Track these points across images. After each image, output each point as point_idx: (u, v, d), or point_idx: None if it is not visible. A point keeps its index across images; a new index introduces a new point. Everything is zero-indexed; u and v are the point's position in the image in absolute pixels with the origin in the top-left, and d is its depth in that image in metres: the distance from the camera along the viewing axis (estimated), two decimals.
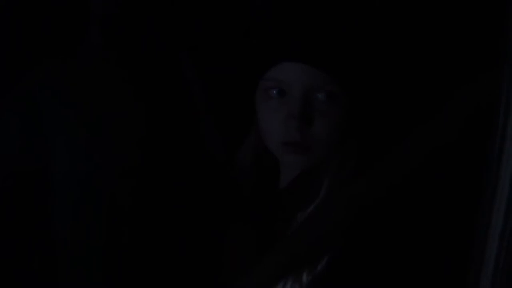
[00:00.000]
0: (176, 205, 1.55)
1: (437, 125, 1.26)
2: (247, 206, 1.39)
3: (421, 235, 1.26)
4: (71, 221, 1.55)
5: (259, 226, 1.36)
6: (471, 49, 1.44)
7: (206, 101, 1.55)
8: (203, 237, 1.48)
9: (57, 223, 1.56)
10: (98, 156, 1.54)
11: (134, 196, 1.55)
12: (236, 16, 1.53)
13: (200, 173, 1.55)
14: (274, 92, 1.27)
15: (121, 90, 1.57)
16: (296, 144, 1.25)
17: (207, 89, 1.55)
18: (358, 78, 1.26)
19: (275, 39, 1.26)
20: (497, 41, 1.03)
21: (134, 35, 1.56)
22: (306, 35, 1.24)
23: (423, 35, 1.47)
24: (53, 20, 1.60)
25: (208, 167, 1.54)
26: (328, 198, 1.29)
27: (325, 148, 1.26)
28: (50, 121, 1.53)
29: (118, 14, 1.54)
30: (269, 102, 1.28)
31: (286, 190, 1.35)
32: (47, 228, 1.56)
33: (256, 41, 1.30)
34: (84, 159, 1.54)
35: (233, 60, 1.46)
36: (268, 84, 1.27)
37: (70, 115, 1.54)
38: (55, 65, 1.59)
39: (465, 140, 1.27)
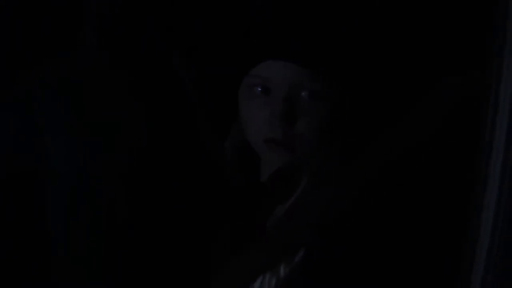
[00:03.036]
0: (175, 205, 1.55)
1: (418, 121, 1.29)
2: (229, 199, 1.41)
3: (400, 230, 1.27)
4: (71, 222, 1.56)
5: (239, 220, 1.38)
6: (459, 47, 1.45)
7: (202, 101, 1.56)
8: (202, 238, 1.49)
9: (56, 224, 1.56)
10: (97, 157, 1.54)
11: (133, 196, 1.55)
12: (225, 15, 1.54)
13: (199, 173, 1.56)
14: (259, 89, 1.27)
15: (119, 91, 1.57)
16: (278, 142, 1.26)
17: (202, 88, 1.56)
18: (342, 77, 1.28)
19: (261, 37, 1.27)
20: (486, 38, 1.03)
21: (129, 35, 1.57)
22: (292, 34, 1.25)
23: (409, 36, 1.49)
24: (52, 20, 1.61)
25: (207, 167, 1.55)
26: (307, 193, 1.31)
27: (308, 146, 1.27)
28: (49, 122, 1.54)
29: (112, 14, 1.55)
30: (253, 99, 1.29)
31: (265, 184, 1.37)
32: (45, 229, 1.57)
33: (244, 40, 1.31)
34: (82, 159, 1.54)
35: (221, 58, 1.47)
36: (252, 81, 1.28)
37: (69, 115, 1.55)
38: (54, 65, 1.59)
39: (453, 137, 1.28)
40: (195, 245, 1.49)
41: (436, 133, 1.29)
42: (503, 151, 1.00)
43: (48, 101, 1.55)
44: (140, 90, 1.57)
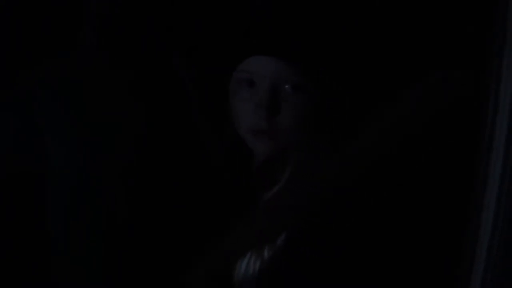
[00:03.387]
0: (175, 204, 1.56)
1: (405, 116, 1.36)
2: (223, 185, 1.50)
3: (393, 227, 1.34)
4: (71, 222, 1.56)
5: (231, 204, 1.47)
6: (458, 47, 1.46)
7: (201, 100, 1.56)
8: (200, 236, 1.50)
9: (56, 224, 1.56)
10: (97, 157, 1.54)
11: (133, 196, 1.55)
12: (219, 15, 1.57)
13: (198, 172, 1.56)
14: (246, 83, 1.36)
15: (119, 91, 1.57)
16: (263, 132, 1.35)
17: (200, 86, 1.57)
18: (322, 71, 1.35)
19: (250, 35, 1.37)
20: (486, 38, 1.03)
21: (129, 35, 1.57)
22: (277, 31, 1.34)
23: (403, 36, 1.52)
24: (52, 20, 1.61)
25: (206, 167, 1.55)
26: (289, 182, 1.40)
27: (291, 136, 1.36)
28: (49, 122, 1.54)
29: (112, 14, 1.55)
30: (241, 93, 1.37)
31: (255, 172, 1.46)
32: (45, 229, 1.56)
33: (233, 37, 1.41)
34: (82, 159, 1.54)
35: (214, 56, 1.52)
36: (240, 75, 1.37)
37: (69, 115, 1.55)
38: (54, 65, 1.59)
39: (453, 136, 1.29)
40: (194, 244, 1.49)
41: (428, 130, 1.36)
42: (503, 151, 1.00)
43: (48, 101, 1.55)
44: (140, 90, 1.57)
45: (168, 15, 1.59)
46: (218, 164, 1.50)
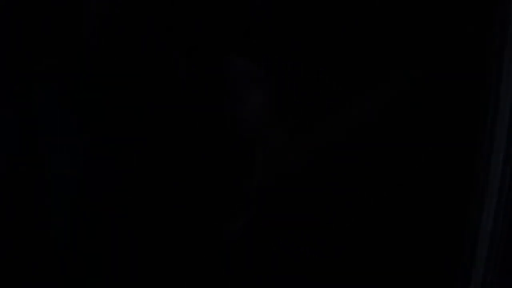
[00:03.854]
0: (175, 204, 1.56)
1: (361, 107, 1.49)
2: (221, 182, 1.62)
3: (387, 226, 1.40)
4: (71, 222, 1.56)
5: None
6: (458, 47, 1.47)
7: (199, 99, 1.57)
8: (201, 236, 1.50)
9: (56, 224, 1.57)
10: (97, 157, 1.55)
11: (133, 196, 1.56)
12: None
13: (198, 172, 1.56)
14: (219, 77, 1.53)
15: (119, 91, 1.57)
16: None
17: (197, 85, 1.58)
18: (280, 64, 1.48)
19: (220, 34, 1.50)
20: (486, 38, 1.03)
21: (129, 35, 1.57)
22: (237, 30, 1.48)
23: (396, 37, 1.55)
24: (52, 20, 1.61)
25: (206, 166, 1.56)
26: (259, 163, 1.55)
27: (259, 122, 1.51)
28: (49, 122, 1.54)
29: (112, 14, 1.55)
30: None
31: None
32: (45, 229, 1.57)
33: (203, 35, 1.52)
34: (83, 160, 1.55)
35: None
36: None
37: (69, 115, 1.55)
38: (54, 65, 1.59)
39: (453, 136, 1.29)
40: (194, 245, 1.50)
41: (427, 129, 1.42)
42: (503, 151, 1.00)
43: (48, 101, 1.55)
44: (140, 90, 1.58)
45: (168, 15, 1.59)
46: (217, 162, 1.52)
